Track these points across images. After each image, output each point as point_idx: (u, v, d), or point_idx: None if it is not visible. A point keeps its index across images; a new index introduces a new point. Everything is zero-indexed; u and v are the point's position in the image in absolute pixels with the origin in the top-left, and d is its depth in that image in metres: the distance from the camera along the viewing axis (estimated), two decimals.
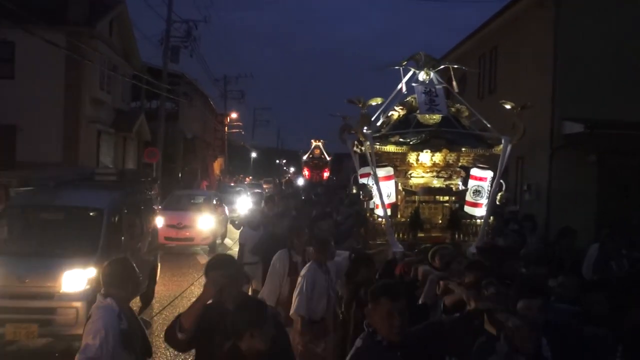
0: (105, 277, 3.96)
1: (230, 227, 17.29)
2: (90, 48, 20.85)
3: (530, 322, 3.42)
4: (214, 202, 19.04)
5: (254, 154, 68.67)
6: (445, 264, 5.07)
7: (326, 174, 27.65)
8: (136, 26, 28.21)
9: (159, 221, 13.76)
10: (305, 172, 27.81)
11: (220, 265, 3.75)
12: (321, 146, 27.40)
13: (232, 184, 34.76)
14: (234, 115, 52.09)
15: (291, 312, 5.61)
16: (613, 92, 12.86)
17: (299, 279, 5.70)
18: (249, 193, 29.58)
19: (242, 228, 9.36)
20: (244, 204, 24.87)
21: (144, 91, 27.94)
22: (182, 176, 34.34)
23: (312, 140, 27.69)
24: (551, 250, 7.75)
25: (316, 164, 27.09)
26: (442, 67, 8.01)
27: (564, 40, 13.36)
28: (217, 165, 50.26)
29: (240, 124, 56.60)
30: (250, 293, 8.80)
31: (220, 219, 18.73)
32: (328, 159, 27.79)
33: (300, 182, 31.37)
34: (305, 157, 28.09)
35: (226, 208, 20.65)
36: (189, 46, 29.44)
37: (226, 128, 50.26)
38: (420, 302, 4.62)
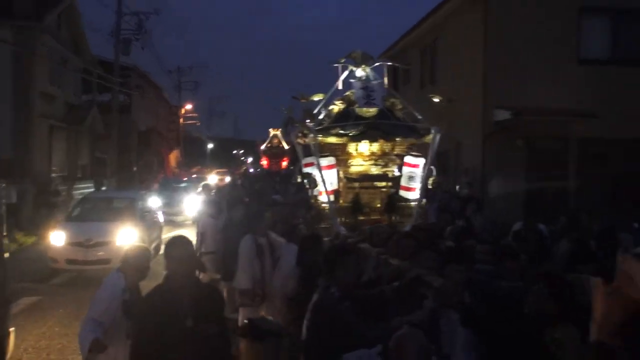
0: (124, 256, 4.74)
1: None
2: (38, 42, 20.85)
3: (454, 281, 4.08)
4: (144, 205, 14.65)
5: (210, 145, 68.56)
6: (382, 241, 5.62)
7: (285, 163, 27.47)
8: (86, 19, 28.07)
9: (59, 238, 11.99)
10: (264, 161, 27.73)
11: (171, 246, 4.06)
12: (279, 135, 27.25)
13: (185, 178, 33.67)
14: (188, 106, 52.06)
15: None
16: (539, 80, 13.81)
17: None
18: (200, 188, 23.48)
19: (201, 218, 9.71)
20: (192, 203, 19.83)
21: (96, 84, 27.95)
22: (137, 169, 34.42)
23: (271, 130, 27.60)
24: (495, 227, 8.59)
25: (275, 153, 27.09)
26: (377, 64, 8.67)
27: (493, 33, 14.26)
28: (173, 158, 50.24)
29: (196, 115, 56.62)
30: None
31: (150, 229, 14.22)
32: (287, 147, 27.46)
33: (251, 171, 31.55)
34: (263, 147, 28.07)
35: (160, 213, 16.15)
36: (140, 38, 29.58)
37: (181, 119, 50.24)
38: (364, 278, 5.08)
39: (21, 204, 17.36)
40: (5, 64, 20.26)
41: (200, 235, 9.08)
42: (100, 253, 11.94)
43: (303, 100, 7.96)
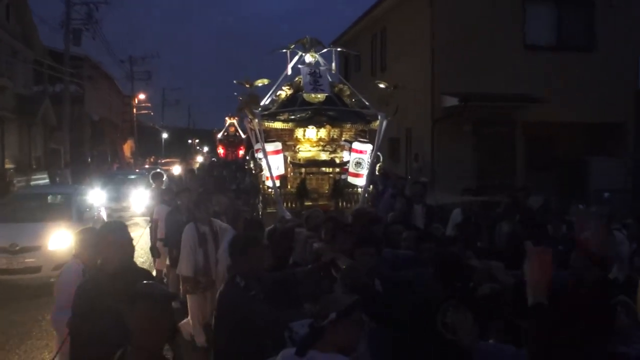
0: (74, 241, 4.85)
1: None
2: None
3: (363, 265, 4.13)
4: (82, 202, 12.46)
5: (165, 135, 67.82)
6: (314, 227, 5.76)
7: (242, 152, 26.75)
8: (35, 10, 27.52)
9: None
10: (220, 150, 27.34)
11: (106, 231, 4.18)
12: (236, 124, 26.75)
13: (138, 169, 32.56)
14: (141, 96, 51.34)
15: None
16: (486, 66, 14.41)
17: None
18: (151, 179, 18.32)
19: (156, 204, 9.90)
20: (141, 198, 17.89)
21: (47, 75, 27.51)
22: (91, 160, 34.05)
23: (227, 118, 27.20)
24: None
25: (231, 142, 26.78)
26: (325, 50, 8.52)
27: (440, 21, 14.80)
28: (128, 148, 49.64)
29: (149, 104, 55.91)
30: (157, 269, 9.51)
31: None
32: (243, 136, 26.79)
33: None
34: (219, 135, 27.68)
35: (103, 210, 13.83)
36: (90, 28, 29.17)
37: (134, 110, 49.61)
38: (291, 261, 5.14)
39: None
40: None
41: (155, 222, 9.28)
42: (29, 260, 9.93)
43: (247, 86, 7.75)
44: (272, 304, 3.90)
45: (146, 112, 55.03)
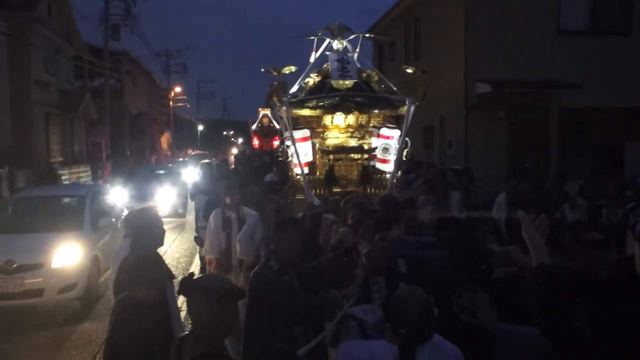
0: (125, 222, 5.05)
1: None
2: (31, 32, 21.25)
3: (383, 249, 4.24)
4: (97, 205, 10.10)
5: (200, 127, 68.81)
6: (343, 214, 5.74)
7: (276, 142, 25.94)
8: (75, 6, 28.29)
9: None
10: (255, 141, 26.94)
11: (138, 217, 4.40)
12: (269, 114, 26.08)
13: (170, 163, 32.76)
14: (178, 89, 52.22)
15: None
16: (518, 54, 14.36)
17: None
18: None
19: (195, 196, 10.30)
20: (167, 197, 17.02)
21: (87, 71, 28.32)
22: (130, 153, 34.90)
23: (260, 109, 26.68)
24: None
25: (266, 133, 26.30)
26: (353, 36, 8.48)
27: (473, 8, 14.75)
28: (165, 140, 50.61)
29: (185, 97, 56.82)
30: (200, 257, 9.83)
31: (107, 239, 9.58)
32: (278, 127, 27.44)
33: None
34: (254, 127, 27.29)
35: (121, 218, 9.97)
36: (128, 23, 29.90)
37: (171, 102, 50.51)
38: (320, 242, 5.24)
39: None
40: (1, 55, 20.68)
41: (196, 211, 9.71)
42: (28, 281, 8.00)
43: (275, 73, 7.75)
44: (306, 290, 4.01)
45: (182, 104, 55.93)
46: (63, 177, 21.50)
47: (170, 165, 26.54)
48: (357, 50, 8.40)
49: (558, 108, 14.76)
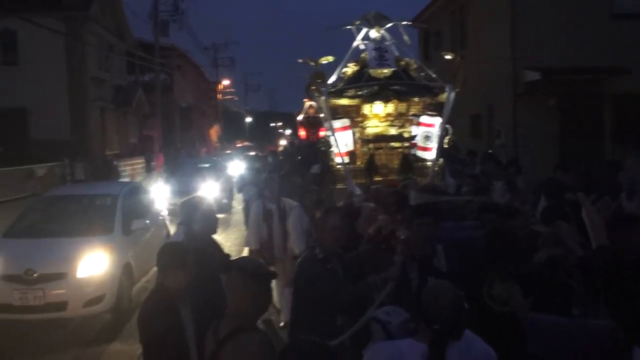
0: (180, 211, 5.26)
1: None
2: (86, 31, 22.06)
3: (421, 235, 4.24)
4: (131, 207, 8.82)
5: (248, 119, 69.72)
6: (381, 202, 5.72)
7: (322, 133, 27.16)
8: (125, 4, 29.10)
9: None
10: (302, 132, 28.04)
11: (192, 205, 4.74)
12: (315, 105, 27.13)
13: (229, 151, 33.09)
14: (225, 82, 53.08)
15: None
16: (568, 40, 14.10)
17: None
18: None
19: (244, 188, 10.66)
20: (211, 193, 15.63)
21: (139, 66, 29.15)
22: (180, 145, 35.73)
23: (305, 100, 27.74)
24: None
25: (312, 123, 27.07)
26: (390, 24, 8.42)
27: None
28: (214, 133, 51.55)
29: (233, 90, 57.66)
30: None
31: (144, 246, 8.56)
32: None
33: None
34: (300, 118, 28.30)
35: (168, 222, 10.34)
36: (177, 19, 30.57)
37: (219, 95, 51.34)
38: (359, 230, 5.17)
39: (87, 180, 18.71)
40: (59, 53, 21.61)
41: (246, 202, 9.99)
42: (50, 292, 7.06)
43: (312, 64, 7.75)
44: (346, 279, 4.06)
45: (230, 97, 56.79)
46: (120, 170, 22.32)
47: (214, 158, 26.51)
48: (405, 37, 8.39)
49: (611, 95, 14.42)
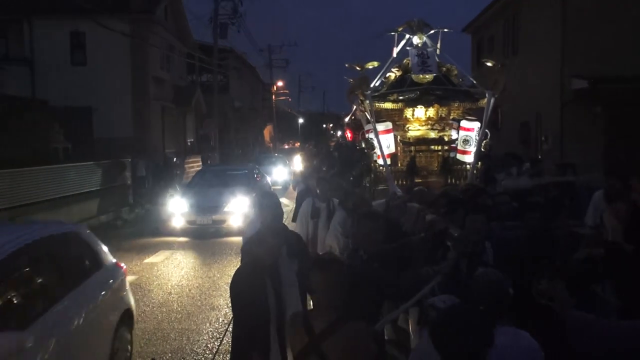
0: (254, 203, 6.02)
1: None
2: (151, 33, 23.23)
3: (472, 232, 4.44)
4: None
5: (301, 120, 70.57)
6: (427, 201, 6.09)
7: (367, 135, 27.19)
8: (187, 7, 30.31)
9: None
10: (348, 134, 28.20)
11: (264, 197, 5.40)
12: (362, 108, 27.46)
13: (275, 154, 34.30)
14: (280, 83, 54.01)
15: None
16: (617, 49, 14.26)
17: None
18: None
19: (299, 184, 11.24)
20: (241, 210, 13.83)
21: (198, 67, 30.30)
22: (236, 145, 36.78)
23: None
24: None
25: (358, 125, 27.30)
26: (433, 31, 8.76)
27: (572, 3, 14.80)
28: (267, 133, 52.60)
29: (287, 91, 58.60)
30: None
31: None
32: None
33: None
34: (347, 119, 28.48)
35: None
36: (236, 22, 31.58)
37: (273, 96, 52.34)
38: (403, 229, 5.43)
39: (147, 176, 19.79)
40: (124, 54, 22.81)
41: (296, 199, 10.24)
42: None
43: (358, 68, 8.03)
44: (391, 271, 4.18)
45: (284, 98, 57.71)
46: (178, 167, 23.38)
47: (276, 154, 28.22)
48: (439, 44, 8.73)
49: None
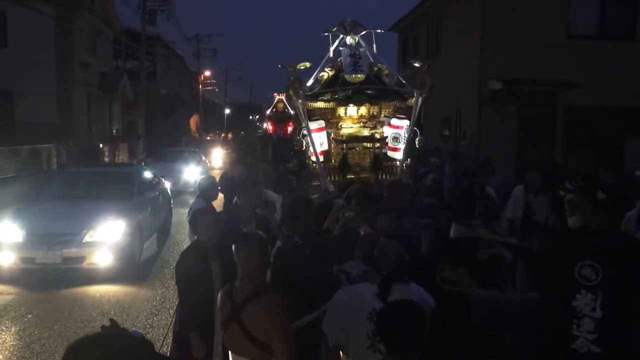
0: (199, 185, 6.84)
1: None
2: (76, 16, 22.73)
3: (382, 230, 4.64)
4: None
5: (227, 110, 70.24)
6: (347, 198, 6.11)
7: (290, 128, 25.59)
8: None
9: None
10: (269, 126, 26.95)
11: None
12: (284, 100, 25.15)
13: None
14: (207, 73, 53.65)
15: None
16: (529, 55, 15.39)
17: None
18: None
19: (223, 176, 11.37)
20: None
21: (125, 54, 29.84)
22: (161, 133, 36.40)
23: (275, 94, 26.58)
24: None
25: (280, 118, 26.20)
26: (365, 32, 8.88)
27: (490, 10, 15.85)
28: (193, 122, 52.15)
29: (214, 81, 58.24)
30: None
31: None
32: (292, 112, 24.44)
33: None
34: (268, 112, 27.34)
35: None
36: (165, 10, 31.23)
37: (200, 85, 51.91)
38: (324, 226, 5.26)
39: (70, 163, 19.44)
40: (49, 37, 22.17)
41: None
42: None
43: (290, 69, 8.17)
44: (323, 262, 4.22)
45: (211, 88, 57.33)
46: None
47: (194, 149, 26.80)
48: (374, 45, 8.95)
49: (564, 106, 15.79)
